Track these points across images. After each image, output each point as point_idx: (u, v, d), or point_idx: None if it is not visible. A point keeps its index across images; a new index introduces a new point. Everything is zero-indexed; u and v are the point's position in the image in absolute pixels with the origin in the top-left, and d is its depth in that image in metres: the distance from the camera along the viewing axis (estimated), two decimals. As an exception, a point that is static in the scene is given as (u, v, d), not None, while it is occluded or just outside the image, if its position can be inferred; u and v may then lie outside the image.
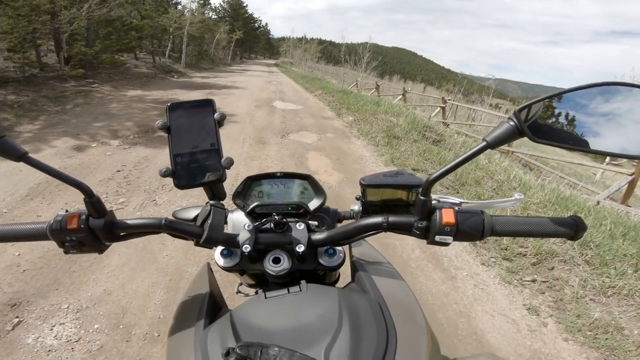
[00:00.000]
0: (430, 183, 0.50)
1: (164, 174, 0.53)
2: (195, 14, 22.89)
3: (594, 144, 0.44)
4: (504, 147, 7.59)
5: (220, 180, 0.57)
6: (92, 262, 2.08)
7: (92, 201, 0.51)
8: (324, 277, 0.72)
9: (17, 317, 1.70)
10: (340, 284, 0.83)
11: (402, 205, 0.61)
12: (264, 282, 0.74)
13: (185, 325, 0.59)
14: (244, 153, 4.51)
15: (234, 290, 0.81)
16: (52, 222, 0.52)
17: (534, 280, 2.23)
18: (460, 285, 2.19)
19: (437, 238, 0.52)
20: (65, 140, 4.38)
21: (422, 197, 0.52)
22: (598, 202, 3.96)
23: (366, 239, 0.66)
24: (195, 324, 0.57)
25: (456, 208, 0.53)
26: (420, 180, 0.58)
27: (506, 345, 1.75)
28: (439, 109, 11.46)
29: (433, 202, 0.53)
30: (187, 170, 0.55)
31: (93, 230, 0.52)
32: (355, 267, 0.73)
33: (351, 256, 0.76)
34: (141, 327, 1.70)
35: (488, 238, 0.60)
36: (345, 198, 3.36)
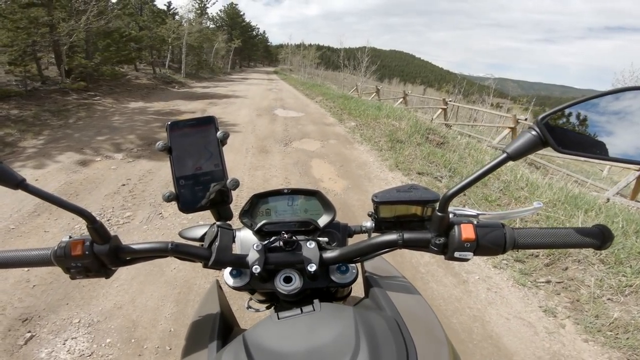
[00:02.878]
0: (448, 199, 0.48)
1: (168, 199, 0.51)
2: (193, 23, 23.09)
3: (624, 152, 0.42)
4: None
5: (226, 203, 0.55)
6: (101, 276, 2.07)
7: (95, 227, 0.50)
8: (336, 292, 0.71)
9: (29, 331, 1.70)
10: (352, 297, 0.81)
11: (417, 221, 0.60)
12: (274, 298, 0.73)
13: (198, 347, 0.58)
14: (247, 163, 4.51)
15: (244, 304, 0.80)
16: (56, 248, 0.51)
17: (548, 282, 2.20)
18: (473, 289, 2.16)
19: (457, 254, 0.51)
20: (69, 155, 4.40)
21: (439, 213, 0.50)
22: (608, 199, 3.92)
23: None
24: (208, 346, 0.56)
25: (475, 222, 0.51)
26: (435, 194, 0.57)
27: (524, 349, 1.72)
28: (440, 110, 11.46)
29: (450, 216, 0.52)
30: (191, 193, 0.53)
31: (98, 256, 0.52)
32: (368, 283, 0.71)
33: (364, 271, 0.75)
34: (153, 341, 1.68)
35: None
36: (351, 205, 3.34)
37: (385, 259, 0.80)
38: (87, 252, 0.51)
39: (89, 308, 1.86)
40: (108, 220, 2.79)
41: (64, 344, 1.65)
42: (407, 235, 0.54)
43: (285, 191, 0.66)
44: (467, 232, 0.50)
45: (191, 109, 8.89)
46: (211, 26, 44.61)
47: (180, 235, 0.69)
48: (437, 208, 0.52)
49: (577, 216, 2.92)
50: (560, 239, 0.50)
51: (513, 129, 7.92)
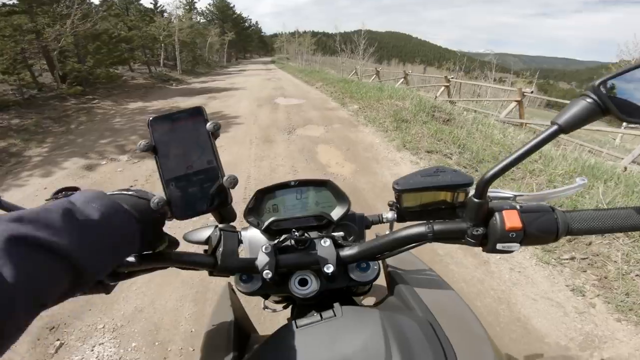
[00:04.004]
0: (487, 182, 0.41)
1: (158, 206, 0.43)
2: (183, 19, 22.74)
3: None
4: (516, 120, 7.40)
5: (226, 204, 0.48)
6: (118, 281, 2.05)
7: None
8: (356, 289, 0.65)
9: (57, 339, 1.70)
10: (376, 286, 0.76)
11: (446, 209, 0.52)
12: (291, 297, 0.67)
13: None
14: (252, 154, 4.45)
15: (259, 303, 0.75)
16: None
17: (572, 258, 2.14)
18: (495, 269, 2.11)
19: (500, 246, 0.43)
20: (75, 161, 4.38)
21: (476, 200, 0.43)
22: (625, 168, 3.81)
23: None
24: (224, 359, 0.53)
25: (518, 207, 0.44)
26: (467, 177, 0.49)
27: (555, 330, 1.67)
28: (443, 88, 11.23)
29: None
30: (184, 197, 0.45)
31: None
32: (392, 278, 0.65)
33: (386, 265, 0.70)
34: (176, 343, 1.66)
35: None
36: (361, 189, 3.28)
37: (409, 252, 0.75)
38: None
39: (111, 313, 1.85)
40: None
41: (92, 351, 1.65)
42: (437, 227, 0.47)
43: (292, 183, 0.60)
44: (511, 219, 0.43)
45: (191, 105, 8.71)
46: (202, 21, 43.99)
47: (185, 238, 0.62)
48: (472, 193, 0.45)
49: (596, 187, 2.83)
50: (620, 222, 0.43)
51: (519, 102, 7.72)
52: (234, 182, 0.45)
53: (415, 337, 0.46)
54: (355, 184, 3.40)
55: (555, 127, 0.36)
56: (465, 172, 0.49)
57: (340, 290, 0.59)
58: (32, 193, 3.39)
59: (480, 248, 0.46)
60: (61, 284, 0.31)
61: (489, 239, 0.44)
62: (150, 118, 0.45)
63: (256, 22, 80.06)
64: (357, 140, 4.92)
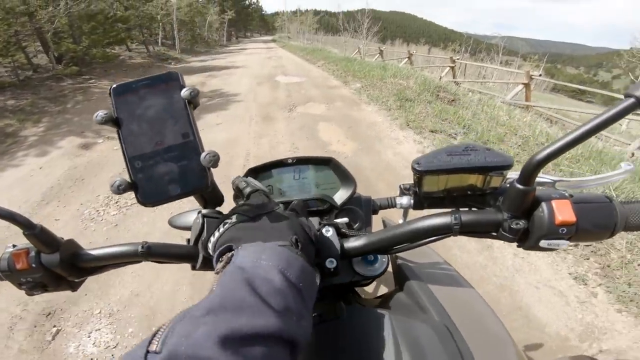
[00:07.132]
0: (537, 166, 0.33)
1: (119, 190, 0.36)
2: (181, -2, 21.96)
3: None
4: (522, 102, 7.24)
5: (204, 187, 0.39)
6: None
7: (35, 234, 0.40)
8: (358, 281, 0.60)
9: (54, 326, 1.68)
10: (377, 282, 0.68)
11: (473, 195, 0.44)
12: None
13: None
14: (252, 132, 4.39)
15: None
16: None
17: (576, 245, 2.09)
18: (498, 255, 2.07)
19: (544, 243, 0.36)
20: (70, 140, 4.31)
21: (520, 186, 0.35)
22: (633, 154, 3.72)
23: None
24: None
25: (568, 195, 0.37)
26: (506, 158, 0.41)
27: (555, 320, 1.64)
28: (448, 68, 10.95)
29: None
30: (153, 178, 0.38)
31: (49, 268, 0.41)
32: (402, 272, 0.58)
33: (395, 257, 0.63)
34: (172, 329, 1.64)
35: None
36: (363, 167, 3.23)
37: None
38: (34, 265, 0.41)
39: (107, 297, 1.83)
40: (117, 202, 2.73)
41: (89, 337, 1.62)
42: (466, 217, 0.39)
43: (290, 161, 0.53)
44: (563, 211, 0.35)
45: (189, 83, 8.45)
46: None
47: (170, 223, 0.56)
48: (510, 177, 0.38)
49: (604, 172, 2.76)
50: None
51: (527, 85, 7.52)
52: (215, 159, 0.37)
53: (431, 345, 0.40)
54: (357, 162, 3.35)
55: (631, 101, 0.28)
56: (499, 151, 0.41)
57: (341, 284, 0.53)
58: (27, 173, 3.33)
59: (515, 244, 0.39)
60: None
61: (530, 234, 0.37)
62: (113, 86, 0.38)
63: (257, 0, 77.74)
64: (360, 118, 4.83)
